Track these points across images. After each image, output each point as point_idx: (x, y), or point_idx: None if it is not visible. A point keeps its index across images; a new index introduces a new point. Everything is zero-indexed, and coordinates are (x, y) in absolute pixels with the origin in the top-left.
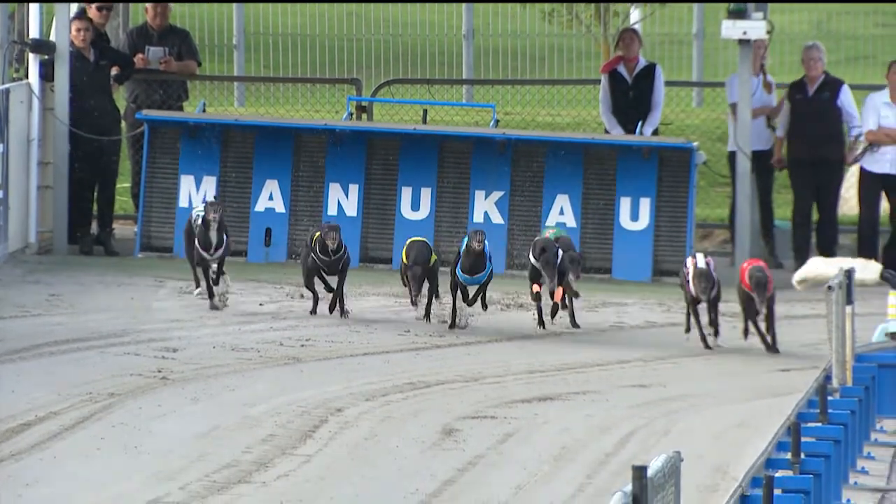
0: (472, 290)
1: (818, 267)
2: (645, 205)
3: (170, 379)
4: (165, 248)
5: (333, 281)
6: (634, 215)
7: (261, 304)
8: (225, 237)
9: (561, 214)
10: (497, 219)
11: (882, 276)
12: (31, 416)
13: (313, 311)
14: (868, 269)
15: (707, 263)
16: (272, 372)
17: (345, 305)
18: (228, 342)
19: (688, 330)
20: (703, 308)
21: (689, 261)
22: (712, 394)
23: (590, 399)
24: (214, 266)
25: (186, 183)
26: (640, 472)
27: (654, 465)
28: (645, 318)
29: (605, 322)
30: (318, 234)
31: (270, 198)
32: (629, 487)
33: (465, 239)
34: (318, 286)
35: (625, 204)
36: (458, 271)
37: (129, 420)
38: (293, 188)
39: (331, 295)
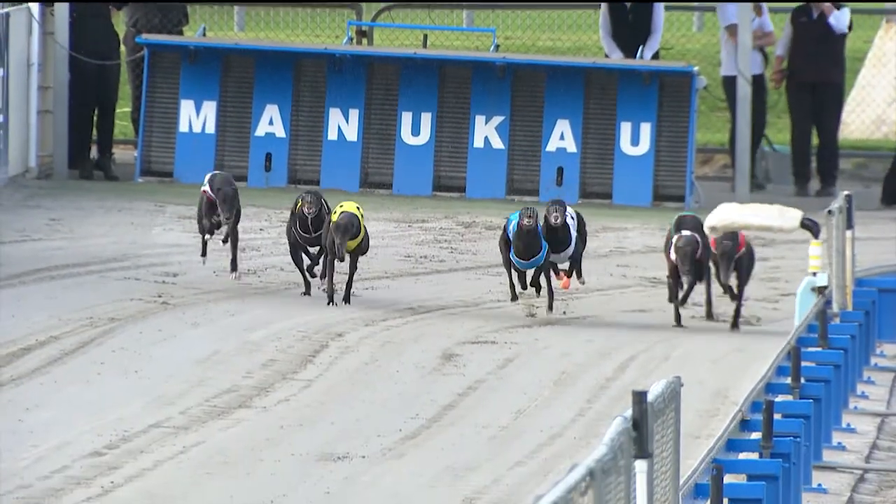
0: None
1: (731, 214)
2: (645, 130)
3: (170, 304)
4: (166, 172)
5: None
6: (635, 140)
7: (261, 230)
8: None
9: (561, 140)
10: (497, 144)
11: (802, 224)
12: (31, 340)
13: (306, 293)
14: (786, 217)
15: (692, 244)
16: (273, 297)
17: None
18: (229, 267)
19: (676, 299)
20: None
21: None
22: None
23: (590, 324)
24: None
25: (186, 108)
26: (640, 397)
27: (654, 390)
28: (645, 243)
29: (606, 247)
30: (299, 202)
31: (271, 122)
32: (629, 412)
33: (514, 216)
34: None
35: (625, 129)
36: (513, 255)
37: (130, 345)
38: (293, 113)
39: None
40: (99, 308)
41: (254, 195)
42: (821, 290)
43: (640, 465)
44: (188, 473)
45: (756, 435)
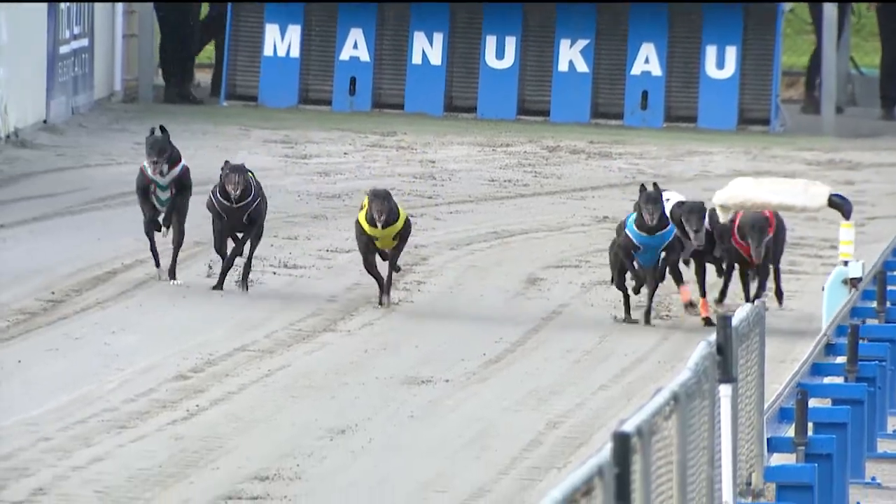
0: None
1: (744, 191)
2: (731, 53)
3: None
4: (250, 96)
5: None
6: (720, 63)
7: (345, 154)
8: (181, 160)
9: (646, 63)
10: (582, 67)
11: (831, 202)
12: (116, 264)
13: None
14: (811, 194)
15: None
16: (354, 220)
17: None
18: (314, 190)
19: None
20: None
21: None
22: (798, 241)
23: None
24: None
25: (271, 32)
26: (724, 321)
27: (739, 315)
28: (730, 167)
29: (691, 171)
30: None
31: (355, 46)
32: (714, 337)
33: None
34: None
35: (710, 52)
36: (632, 228)
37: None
38: (378, 37)
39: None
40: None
41: (338, 119)
42: (853, 283)
43: (725, 390)
44: (273, 396)
45: (841, 359)
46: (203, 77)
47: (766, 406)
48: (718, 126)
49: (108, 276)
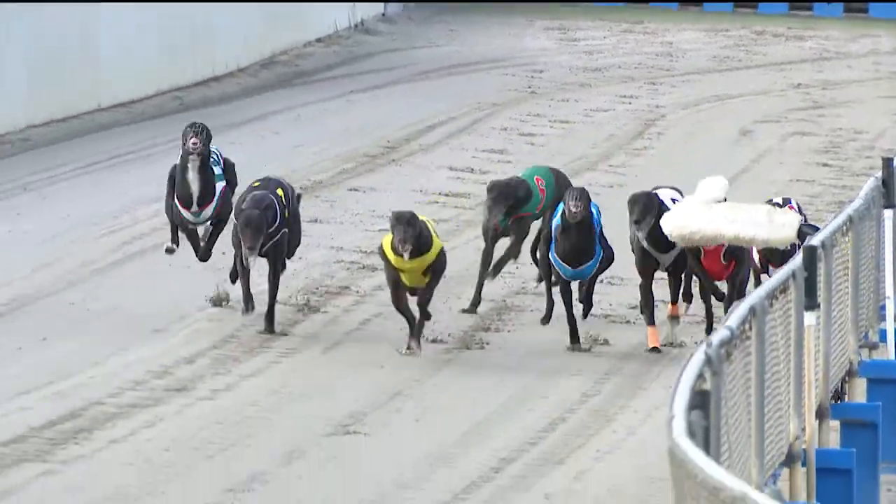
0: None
1: (694, 220)
2: None
3: (537, 93)
4: None
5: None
6: None
7: (604, 38)
8: (217, 187)
9: None
10: None
11: (800, 235)
12: (434, 120)
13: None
14: (776, 224)
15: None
16: (610, 87)
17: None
18: (580, 65)
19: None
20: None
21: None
22: None
23: (849, 106)
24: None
25: None
26: (887, 161)
27: None
28: (893, 46)
29: (864, 49)
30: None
31: None
32: (879, 174)
33: (560, 206)
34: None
35: None
36: (554, 257)
37: (508, 124)
38: None
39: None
40: (485, 96)
41: (600, 11)
42: None
43: (888, 213)
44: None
45: None
46: None
47: None
48: (884, 16)
49: (428, 130)
